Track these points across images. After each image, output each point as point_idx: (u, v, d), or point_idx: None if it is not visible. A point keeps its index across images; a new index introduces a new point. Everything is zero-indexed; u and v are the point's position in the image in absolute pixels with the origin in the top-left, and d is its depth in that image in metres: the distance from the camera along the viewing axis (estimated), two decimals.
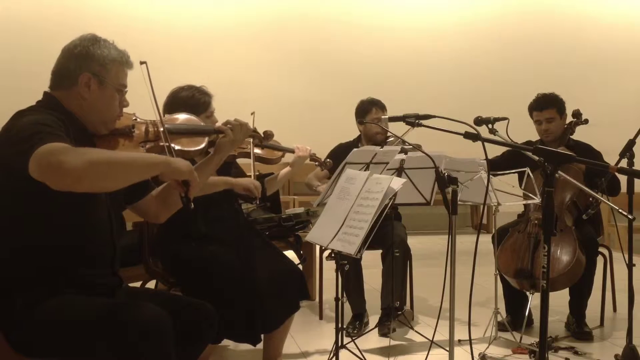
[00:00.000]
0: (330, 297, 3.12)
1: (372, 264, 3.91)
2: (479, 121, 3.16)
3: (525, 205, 3.66)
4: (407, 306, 3.93)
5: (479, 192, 3.00)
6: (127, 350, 1.65)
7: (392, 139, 3.91)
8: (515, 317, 3.59)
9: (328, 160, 3.40)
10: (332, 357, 2.69)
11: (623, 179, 2.95)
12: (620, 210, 2.74)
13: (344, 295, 3.25)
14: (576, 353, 3.22)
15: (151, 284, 3.20)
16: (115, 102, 1.97)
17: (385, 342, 3.44)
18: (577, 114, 3.73)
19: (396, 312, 3.55)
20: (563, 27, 8.98)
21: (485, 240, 3.41)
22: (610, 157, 3.19)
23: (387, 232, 3.46)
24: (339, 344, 2.72)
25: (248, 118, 2.86)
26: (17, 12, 7.58)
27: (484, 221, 7.58)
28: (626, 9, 9.21)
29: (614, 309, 4.09)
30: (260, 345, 2.82)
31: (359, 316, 3.72)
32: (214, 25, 8.19)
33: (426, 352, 2.90)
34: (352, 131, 4.22)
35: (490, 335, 3.30)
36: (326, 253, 2.77)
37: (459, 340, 3.24)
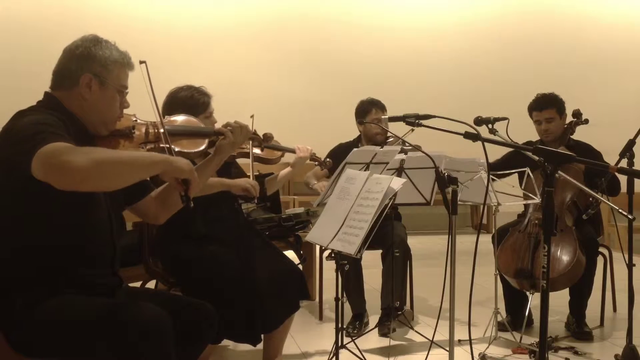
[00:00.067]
0: (330, 297, 3.12)
1: (372, 264, 3.91)
2: (479, 121, 3.16)
3: (525, 205, 3.66)
4: (407, 306, 3.93)
5: (479, 192, 3.00)
6: (127, 350, 1.66)
7: (392, 139, 3.92)
8: (515, 317, 3.59)
9: (328, 159, 3.40)
10: (332, 357, 2.69)
11: (623, 179, 2.95)
12: (620, 210, 2.74)
13: (344, 295, 3.25)
14: (576, 353, 3.22)
15: (151, 284, 3.20)
16: (115, 103, 1.97)
17: (385, 342, 3.44)
18: (577, 114, 3.73)
19: (396, 312, 3.55)
20: (563, 27, 8.98)
21: (485, 240, 3.41)
22: (610, 157, 3.19)
23: (387, 232, 3.46)
24: (339, 344, 2.72)
25: (248, 118, 2.86)
26: (17, 12, 7.58)
27: (484, 221, 7.58)
28: (626, 9, 9.21)
29: (614, 309, 4.09)
30: (260, 345, 2.83)
31: (359, 316, 3.72)
32: (214, 25, 8.20)
33: (426, 352, 2.90)
34: (352, 131, 4.22)
35: (490, 335, 3.30)
36: (326, 253, 2.77)
37: (459, 340, 3.24)
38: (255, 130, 2.63)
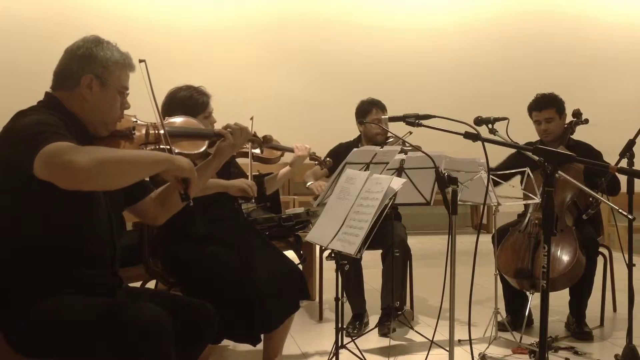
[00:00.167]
0: (330, 297, 3.12)
1: (372, 264, 3.91)
2: (479, 121, 3.16)
3: (525, 205, 3.66)
4: (407, 306, 3.93)
5: (479, 192, 2.99)
6: (127, 350, 1.66)
7: (392, 139, 3.92)
8: (515, 317, 3.58)
9: (328, 159, 3.40)
10: (332, 357, 2.69)
11: (623, 179, 2.95)
12: (620, 210, 2.74)
13: (344, 295, 3.25)
14: (576, 353, 3.22)
15: (151, 284, 3.20)
16: (116, 104, 1.98)
17: (385, 342, 3.44)
18: (577, 114, 3.73)
19: (396, 312, 3.55)
20: (563, 27, 8.98)
21: (485, 240, 3.41)
22: (610, 157, 3.19)
23: (387, 232, 3.46)
24: (339, 344, 2.72)
25: (248, 118, 2.86)
26: (17, 12, 7.58)
27: (484, 221, 7.59)
28: (626, 9, 9.21)
29: (614, 309, 4.09)
30: (260, 345, 2.82)
31: (359, 316, 3.72)
32: (214, 25, 8.20)
33: (426, 352, 2.90)
34: (352, 131, 4.22)
35: (490, 335, 3.29)
36: (326, 253, 2.77)
37: (459, 340, 3.24)
38: (255, 132, 2.63)
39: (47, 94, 1.96)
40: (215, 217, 2.92)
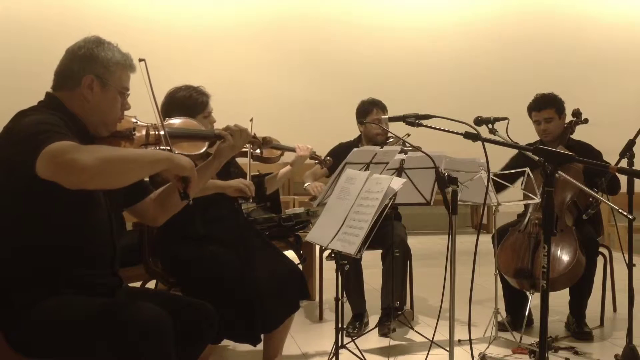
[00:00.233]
0: (330, 297, 3.12)
1: (372, 264, 3.91)
2: (479, 121, 3.16)
3: (525, 205, 3.65)
4: (407, 306, 3.93)
5: (479, 192, 2.99)
6: (127, 350, 1.66)
7: (392, 139, 3.91)
8: (515, 317, 3.58)
9: (328, 158, 3.39)
10: (332, 357, 2.69)
11: (623, 179, 2.95)
12: (620, 210, 2.74)
13: (344, 295, 3.25)
14: (576, 353, 3.22)
15: (151, 284, 3.20)
16: (117, 105, 1.98)
17: (385, 342, 3.44)
18: (576, 114, 3.73)
19: (396, 312, 3.55)
20: (563, 27, 8.98)
21: (485, 240, 3.41)
22: (610, 157, 3.19)
23: (387, 232, 3.46)
24: (339, 344, 2.72)
25: (248, 118, 2.86)
26: (17, 12, 7.59)
27: (484, 221, 7.58)
28: (626, 9, 9.21)
29: (614, 309, 4.09)
30: (260, 346, 2.82)
31: (359, 316, 3.72)
32: (214, 25, 8.20)
33: (426, 352, 2.90)
34: (352, 131, 4.22)
35: (490, 335, 3.29)
36: (326, 253, 2.77)
37: (459, 340, 3.24)
38: (254, 134, 2.64)
39: (47, 94, 1.96)
40: (215, 217, 2.92)
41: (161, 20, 8.02)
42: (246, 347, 2.88)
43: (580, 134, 3.74)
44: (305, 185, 3.82)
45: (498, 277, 3.42)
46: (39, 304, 1.77)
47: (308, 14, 8.42)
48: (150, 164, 1.76)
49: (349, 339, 3.06)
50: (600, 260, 3.69)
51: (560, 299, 3.59)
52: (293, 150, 3.15)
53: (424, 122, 2.62)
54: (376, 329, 3.57)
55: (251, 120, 2.81)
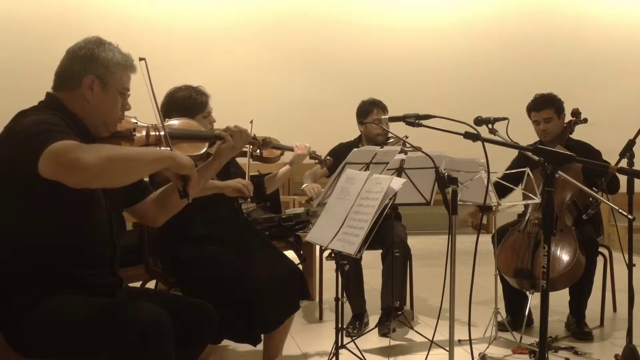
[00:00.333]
0: (330, 297, 3.12)
1: (372, 264, 3.91)
2: (479, 121, 3.16)
3: (525, 205, 3.65)
4: (407, 306, 3.93)
5: (479, 192, 3.00)
6: (127, 350, 1.66)
7: (392, 139, 3.91)
8: (515, 317, 3.58)
9: (328, 157, 3.38)
10: (332, 357, 2.69)
11: (623, 179, 2.95)
12: (620, 210, 2.74)
13: (344, 295, 3.25)
14: (576, 353, 3.22)
15: (151, 284, 3.20)
16: (117, 105, 1.98)
17: (385, 342, 3.44)
18: (575, 113, 3.73)
19: (396, 312, 3.55)
20: (563, 27, 8.97)
21: (485, 240, 3.41)
22: (610, 157, 3.19)
23: (387, 232, 3.46)
24: (339, 344, 2.72)
25: (248, 118, 2.86)
26: (17, 12, 7.58)
27: (484, 221, 7.57)
28: (626, 9, 9.21)
29: (614, 309, 4.09)
30: (260, 346, 2.82)
31: (359, 316, 3.72)
32: (214, 25, 8.19)
33: (426, 352, 2.91)
34: (352, 131, 4.22)
35: (490, 335, 3.30)
36: (326, 253, 2.77)
37: (459, 340, 3.24)
38: (254, 135, 2.64)
39: (48, 94, 1.96)
40: (215, 217, 2.92)
41: (161, 20, 8.01)
42: (246, 347, 2.88)
43: (580, 133, 3.74)
44: (303, 186, 3.82)
45: (498, 277, 3.42)
46: (39, 304, 1.77)
47: (308, 14, 8.41)
48: (152, 162, 1.76)
49: (349, 339, 3.06)
50: (600, 260, 3.69)
51: (560, 299, 3.59)
52: (291, 149, 3.15)
53: (424, 122, 2.62)
54: (376, 329, 3.57)
55: (251, 122, 2.81)
